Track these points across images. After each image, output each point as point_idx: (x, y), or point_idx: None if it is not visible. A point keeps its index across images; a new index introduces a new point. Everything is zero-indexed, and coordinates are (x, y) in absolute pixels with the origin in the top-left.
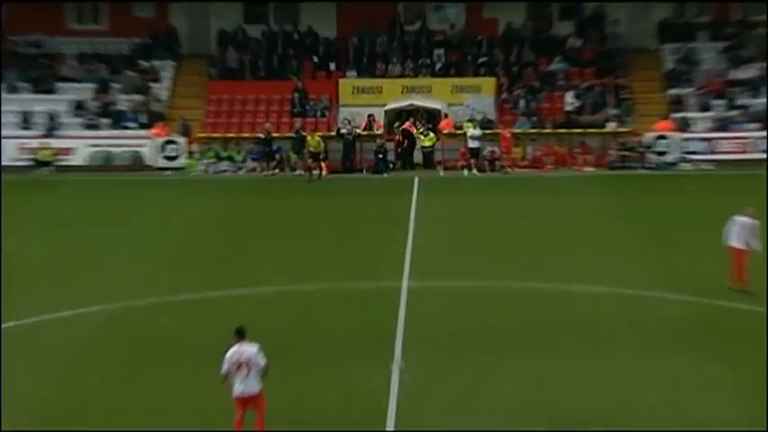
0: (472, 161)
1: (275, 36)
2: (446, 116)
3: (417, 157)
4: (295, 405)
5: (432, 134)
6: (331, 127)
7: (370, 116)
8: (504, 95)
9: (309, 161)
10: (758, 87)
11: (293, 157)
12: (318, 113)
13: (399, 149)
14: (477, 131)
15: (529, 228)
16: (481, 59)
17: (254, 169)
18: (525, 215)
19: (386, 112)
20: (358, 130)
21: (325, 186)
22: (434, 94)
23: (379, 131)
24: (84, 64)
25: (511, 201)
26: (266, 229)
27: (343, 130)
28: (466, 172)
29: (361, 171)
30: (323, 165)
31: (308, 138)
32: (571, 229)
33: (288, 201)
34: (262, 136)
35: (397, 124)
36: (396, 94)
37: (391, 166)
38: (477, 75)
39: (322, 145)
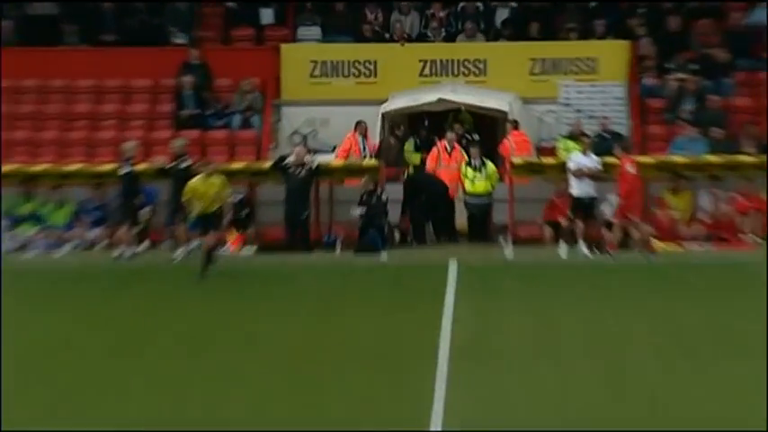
0: (577, 225)
1: None
2: (516, 126)
3: (457, 213)
4: None
5: (489, 167)
6: (264, 151)
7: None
8: (647, 81)
9: (216, 234)
10: None
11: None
12: (237, 121)
13: (409, 207)
14: (589, 161)
15: (710, 393)
16: (595, 1)
17: (93, 244)
18: (699, 359)
19: (384, 116)
20: (324, 158)
21: (245, 285)
22: (491, 78)
23: (370, 162)
24: None
25: (664, 319)
26: (115, 380)
27: (289, 159)
28: (563, 250)
29: (332, 246)
30: (232, 236)
31: (197, 183)
32: None
33: (166, 320)
34: (118, 171)
35: (410, 146)
36: (407, 77)
37: (397, 237)
38: (586, 35)
39: (226, 193)
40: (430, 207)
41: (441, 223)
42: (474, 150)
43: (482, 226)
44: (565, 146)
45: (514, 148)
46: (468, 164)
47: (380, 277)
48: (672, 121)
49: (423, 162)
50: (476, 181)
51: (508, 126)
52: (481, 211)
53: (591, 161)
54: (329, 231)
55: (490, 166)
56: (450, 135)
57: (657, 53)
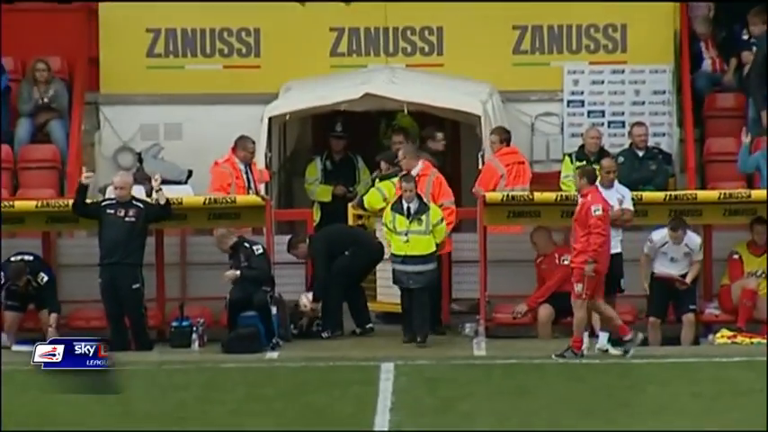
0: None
1: None
2: (507, 138)
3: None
4: None
5: (432, 212)
6: (71, 179)
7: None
8: (710, 64)
9: None
10: None
11: None
12: (25, 128)
13: (318, 275)
14: (612, 196)
15: None
16: None
17: None
18: None
19: (272, 122)
20: (173, 191)
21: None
22: (451, 59)
23: (251, 199)
24: None
25: None
26: None
27: (109, 192)
28: (558, 356)
29: (184, 339)
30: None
31: None
32: None
33: None
34: None
35: (314, 171)
36: (310, 58)
37: (300, 323)
38: None
39: None
40: (354, 274)
41: (361, 300)
42: (407, 185)
43: (419, 310)
44: (573, 171)
45: (505, 175)
46: (397, 207)
47: (263, 393)
48: (755, 131)
49: (335, 200)
50: (410, 236)
51: (493, 138)
52: (422, 286)
53: (616, 197)
54: (180, 315)
55: (434, 210)
56: (435, 143)
57: (726, 18)
